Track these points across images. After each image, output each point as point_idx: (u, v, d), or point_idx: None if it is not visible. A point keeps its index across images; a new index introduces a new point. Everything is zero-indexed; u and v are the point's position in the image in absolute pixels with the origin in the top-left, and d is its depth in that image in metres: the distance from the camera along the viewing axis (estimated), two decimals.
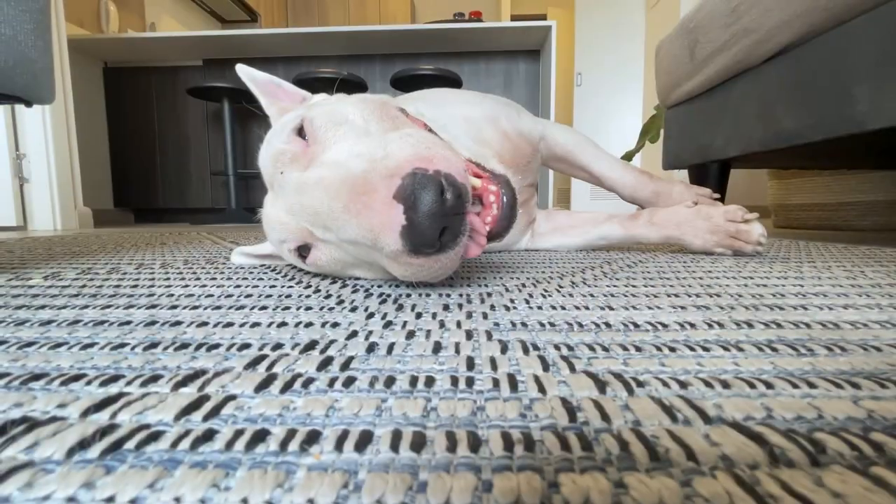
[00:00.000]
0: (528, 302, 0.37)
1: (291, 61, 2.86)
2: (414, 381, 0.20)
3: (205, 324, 0.30)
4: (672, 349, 0.25)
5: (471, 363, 0.22)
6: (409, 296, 0.40)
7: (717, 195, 0.82)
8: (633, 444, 0.15)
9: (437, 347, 0.25)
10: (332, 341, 0.26)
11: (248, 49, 2.78)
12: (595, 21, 3.28)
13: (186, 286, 0.45)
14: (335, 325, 0.30)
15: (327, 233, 0.40)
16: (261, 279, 0.49)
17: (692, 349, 0.25)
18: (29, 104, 0.56)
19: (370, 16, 4.90)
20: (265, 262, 0.62)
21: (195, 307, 0.36)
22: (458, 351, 0.24)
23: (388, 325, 0.30)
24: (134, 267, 0.59)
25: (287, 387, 0.20)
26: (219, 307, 0.36)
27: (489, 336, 0.27)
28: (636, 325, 0.29)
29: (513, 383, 0.20)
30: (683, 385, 0.19)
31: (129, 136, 2.95)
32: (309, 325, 0.30)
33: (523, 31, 2.54)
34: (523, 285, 0.44)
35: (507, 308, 0.35)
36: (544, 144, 0.81)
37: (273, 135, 0.46)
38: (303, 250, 0.45)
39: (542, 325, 0.30)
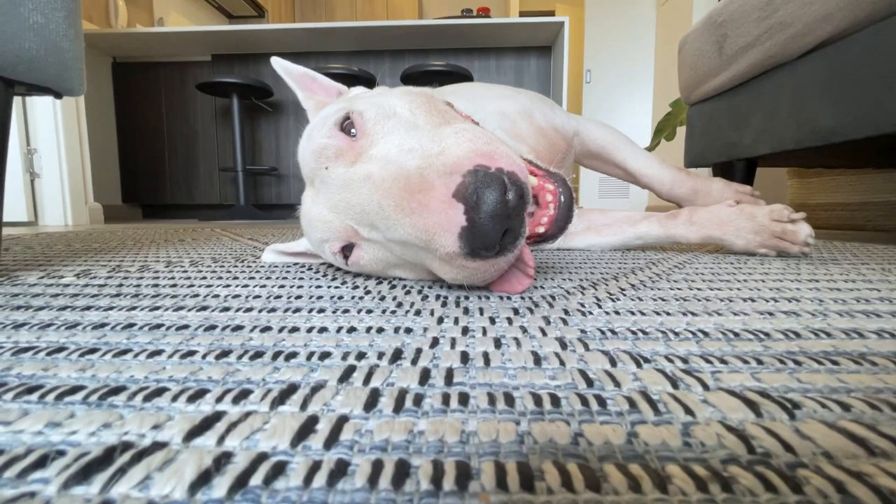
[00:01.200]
0: (599, 306, 0.35)
1: (300, 57, 2.84)
2: (538, 400, 0.18)
3: (268, 328, 0.28)
4: (797, 362, 0.22)
5: (587, 378, 0.20)
6: (467, 298, 0.38)
7: (757, 193, 0.79)
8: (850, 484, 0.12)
9: (537, 359, 0.23)
10: (418, 350, 0.24)
11: (257, 44, 2.76)
12: (605, 18, 3.24)
13: (228, 286, 0.43)
14: (409, 330, 0.28)
15: (374, 232, 0.38)
16: (301, 279, 0.47)
17: (819, 362, 0.22)
18: (59, 96, 0.54)
19: (377, 11, 4.87)
20: (298, 261, 0.60)
21: (249, 309, 0.34)
22: (562, 363, 0.22)
23: (465, 331, 0.28)
24: (164, 265, 0.58)
25: (399, 405, 0.17)
26: (273, 309, 0.34)
27: (586, 346, 0.25)
28: (735, 334, 0.27)
29: (651, 404, 0.18)
30: (846, 407, 0.17)
31: (138, 131, 2.93)
32: (381, 330, 0.28)
33: (535, 27, 2.51)
34: (582, 288, 0.42)
35: (583, 313, 0.33)
36: (578, 140, 0.78)
37: (314, 129, 0.44)
38: (346, 250, 0.43)
39: (633, 332, 0.28)
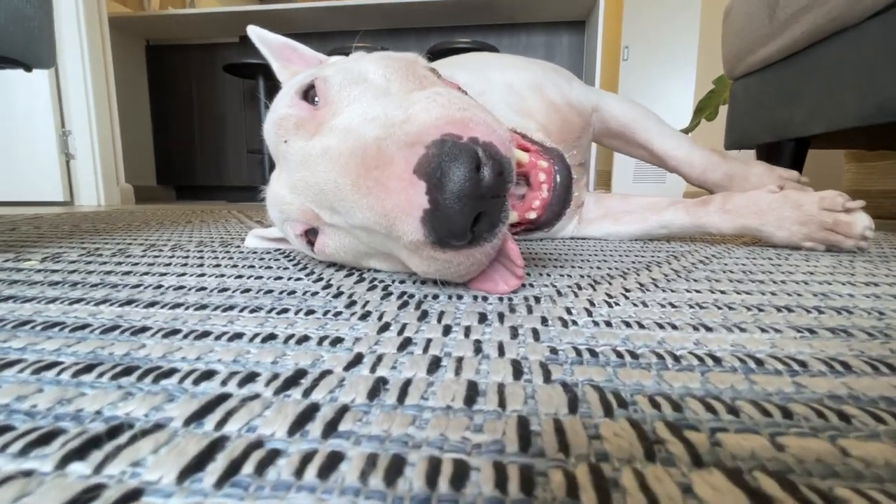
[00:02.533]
0: (589, 312, 0.28)
1: (326, 37, 2.80)
2: (433, 471, 0.12)
3: (173, 332, 0.24)
4: (844, 417, 0.16)
5: (524, 437, 0.14)
6: (436, 297, 0.32)
7: (805, 179, 0.69)
8: None
9: (472, 395, 0.17)
10: (324, 373, 0.19)
11: (285, 24, 2.73)
12: None
13: (182, 274, 0.39)
14: (337, 341, 0.23)
15: (335, 216, 0.33)
16: (268, 268, 0.43)
17: (878, 417, 0.16)
18: (28, 68, 0.51)
19: None
20: (279, 247, 0.56)
21: (175, 305, 0.29)
22: (502, 403, 0.16)
23: (404, 345, 0.22)
24: (142, 248, 0.55)
25: (222, 481, 0.12)
26: (204, 306, 0.29)
27: (547, 376, 0.19)
28: (758, 362, 0.20)
29: (604, 496, 0.12)
30: None
31: (171, 113, 2.99)
32: (304, 340, 0.23)
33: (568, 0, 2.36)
34: (578, 287, 0.36)
35: (566, 322, 0.26)
36: (598, 117, 0.70)
37: (278, 99, 0.38)
38: (310, 235, 0.38)
39: (618, 355, 0.21)
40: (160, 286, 0.35)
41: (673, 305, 0.30)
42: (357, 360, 0.20)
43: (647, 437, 0.14)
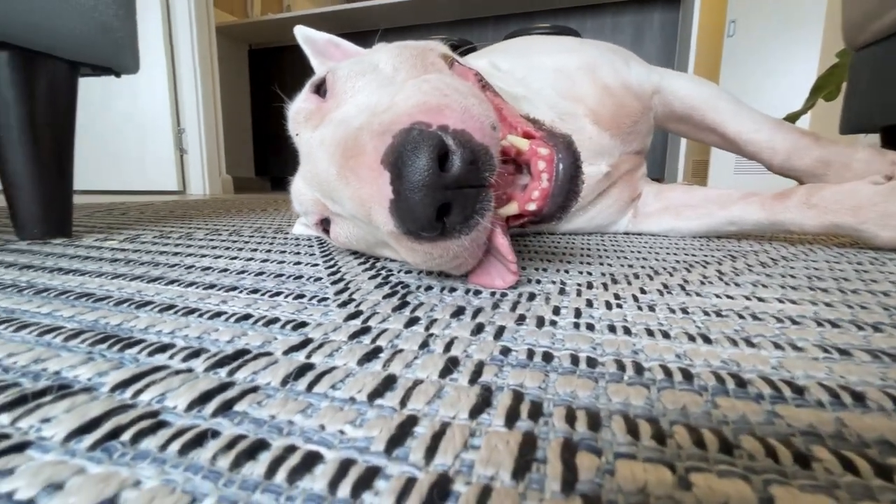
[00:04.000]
0: (579, 313, 0.26)
1: (405, 31, 2.87)
2: (273, 468, 0.12)
3: (169, 307, 0.26)
4: None
5: (395, 440, 0.13)
6: (429, 289, 0.32)
7: None
8: None
9: (381, 390, 0.16)
10: (262, 355, 0.19)
11: (367, 21, 2.85)
12: None
13: (219, 256, 0.43)
14: (300, 325, 0.23)
15: (336, 205, 0.33)
16: (297, 253, 0.45)
17: None
18: (117, 74, 0.59)
19: None
20: (320, 235, 0.59)
21: (190, 284, 0.32)
22: (404, 402, 0.16)
23: (358, 334, 0.22)
24: (204, 232, 0.61)
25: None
26: (212, 286, 0.32)
27: (475, 376, 0.18)
28: (740, 384, 0.17)
29: None
30: None
31: (269, 111, 3.28)
32: (272, 321, 0.24)
33: None
34: (590, 285, 0.33)
35: (542, 322, 0.24)
36: (659, 100, 0.63)
37: (299, 94, 0.40)
38: (325, 224, 0.39)
39: (573, 360, 0.19)
40: (191, 266, 0.38)
41: (685, 311, 0.27)
42: (302, 345, 0.21)
43: (528, 454, 0.13)
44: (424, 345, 0.21)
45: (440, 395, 0.16)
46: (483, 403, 0.15)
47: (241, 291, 0.30)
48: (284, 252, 0.46)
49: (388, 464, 0.12)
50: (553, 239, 0.58)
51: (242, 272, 0.36)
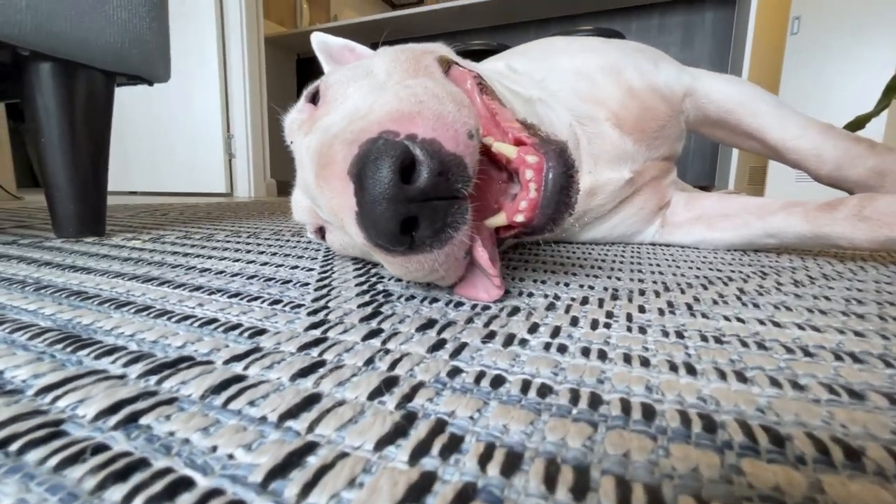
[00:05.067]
0: (556, 332, 0.24)
1: (446, 36, 2.87)
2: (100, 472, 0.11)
3: (144, 309, 0.26)
4: None
5: (283, 468, 0.12)
6: (411, 298, 0.31)
7: None
8: None
9: (294, 411, 0.15)
10: (202, 363, 0.19)
11: (410, 29, 2.90)
12: None
13: (223, 258, 0.44)
14: (258, 332, 0.23)
15: (321, 212, 0.33)
16: (300, 257, 0.45)
17: None
18: (150, 83, 0.62)
19: None
20: None
21: (180, 286, 0.33)
22: (312, 428, 0.14)
23: (311, 345, 0.21)
24: (225, 234, 0.63)
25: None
26: (199, 288, 0.32)
27: (408, 398, 0.16)
28: (708, 423, 0.15)
29: None
30: None
31: None
32: (235, 327, 0.23)
33: None
34: (585, 301, 0.30)
35: (510, 341, 0.22)
36: (691, 102, 0.59)
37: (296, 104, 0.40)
38: (322, 231, 0.39)
39: (523, 387, 0.17)
40: (192, 268, 0.39)
41: (680, 336, 0.24)
42: (246, 354, 0.20)
43: (413, 500, 0.11)
44: (370, 361, 0.20)
45: (356, 420, 0.15)
46: (396, 433, 0.14)
47: (223, 294, 0.30)
48: (288, 256, 0.46)
49: (256, 499, 0.11)
50: (569, 249, 0.56)
51: (236, 275, 0.37)
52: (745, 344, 0.23)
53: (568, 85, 0.56)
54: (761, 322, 0.26)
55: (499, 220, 0.29)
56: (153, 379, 0.17)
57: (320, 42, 0.56)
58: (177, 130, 2.40)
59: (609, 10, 2.46)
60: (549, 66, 0.57)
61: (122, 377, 0.18)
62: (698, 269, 0.43)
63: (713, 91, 0.58)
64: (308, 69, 3.37)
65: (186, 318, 0.25)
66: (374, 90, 0.33)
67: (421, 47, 0.39)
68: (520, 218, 0.29)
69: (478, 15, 2.65)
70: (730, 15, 2.26)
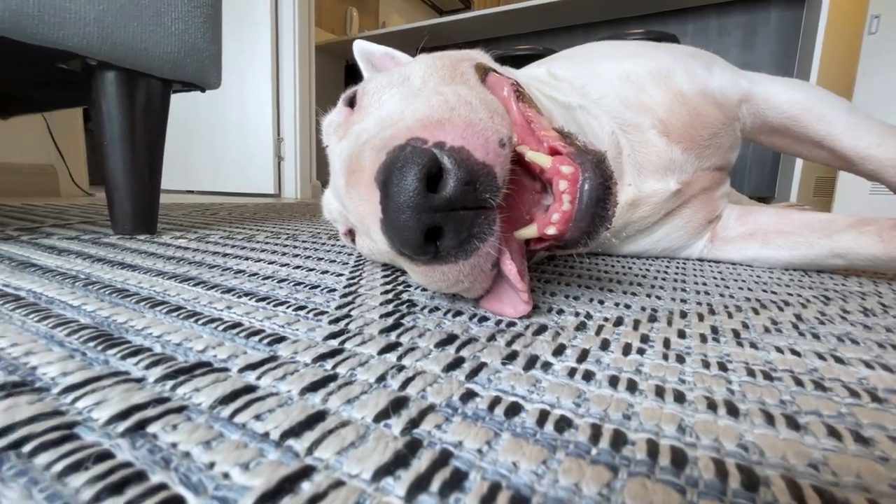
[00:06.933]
0: (584, 356, 0.22)
1: (492, 42, 2.88)
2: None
3: (160, 302, 0.27)
4: None
5: (275, 491, 0.12)
6: (434, 310, 0.30)
7: None
8: None
9: (295, 431, 0.15)
10: (218, 370, 0.19)
11: (456, 34, 2.91)
12: None
13: (259, 260, 0.45)
14: (278, 340, 0.23)
15: (351, 217, 0.33)
16: (333, 261, 0.46)
17: None
18: (203, 90, 0.65)
19: None
20: None
21: (212, 287, 0.34)
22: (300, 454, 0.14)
23: (327, 356, 0.21)
24: (265, 235, 0.65)
25: None
26: (230, 290, 0.33)
27: (413, 424, 0.15)
28: (679, 460, 0.13)
29: None
30: None
31: None
32: (256, 333, 0.24)
33: None
34: (619, 321, 0.29)
35: (532, 364, 0.21)
36: (749, 109, 0.55)
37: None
38: (353, 234, 0.39)
39: (540, 418, 0.16)
40: (227, 269, 0.41)
41: (724, 368, 0.22)
42: (261, 363, 0.20)
43: None
44: (382, 378, 0.19)
45: (357, 444, 0.14)
46: (396, 463, 0.13)
47: (251, 298, 0.31)
48: (322, 259, 0.47)
49: None
50: (607, 262, 0.53)
51: (268, 278, 0.37)
52: (799, 382, 0.20)
53: (613, 91, 0.53)
54: (821, 356, 0.24)
55: (529, 231, 0.28)
56: (169, 384, 0.18)
57: (362, 50, 0.56)
58: (232, 133, 2.53)
59: (662, 11, 2.36)
60: (594, 72, 0.55)
61: (140, 380, 0.18)
62: (749, 289, 0.39)
63: (774, 96, 0.54)
64: (356, 75, 3.47)
65: (213, 320, 0.26)
66: (407, 97, 0.33)
67: (458, 54, 0.38)
68: (552, 231, 0.28)
69: (524, 19, 2.63)
70: (798, 13, 2.11)
